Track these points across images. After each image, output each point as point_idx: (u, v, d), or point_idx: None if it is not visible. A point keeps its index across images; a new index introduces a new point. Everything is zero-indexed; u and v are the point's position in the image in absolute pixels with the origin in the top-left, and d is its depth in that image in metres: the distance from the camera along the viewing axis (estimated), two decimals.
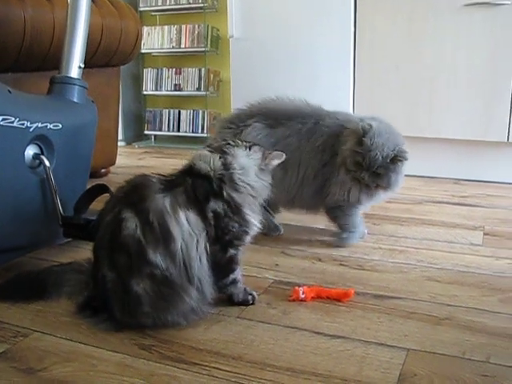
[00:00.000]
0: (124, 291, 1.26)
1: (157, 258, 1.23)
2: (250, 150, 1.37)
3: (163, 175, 1.35)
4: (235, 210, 1.32)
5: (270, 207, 1.91)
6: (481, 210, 2.40)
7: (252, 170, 1.35)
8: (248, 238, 1.38)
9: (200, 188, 1.30)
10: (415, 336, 1.29)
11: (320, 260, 1.78)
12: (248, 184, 1.33)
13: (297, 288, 1.48)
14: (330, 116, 1.92)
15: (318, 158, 1.84)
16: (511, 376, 1.12)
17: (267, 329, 1.32)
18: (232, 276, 1.37)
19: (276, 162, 1.41)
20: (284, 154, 1.43)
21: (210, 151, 1.36)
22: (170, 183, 1.31)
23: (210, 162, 1.32)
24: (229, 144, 1.37)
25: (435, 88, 2.93)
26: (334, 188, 1.82)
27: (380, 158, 1.70)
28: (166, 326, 1.30)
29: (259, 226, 1.39)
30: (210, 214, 1.29)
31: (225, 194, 1.30)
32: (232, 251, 1.35)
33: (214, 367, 1.16)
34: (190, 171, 1.34)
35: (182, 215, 1.26)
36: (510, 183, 2.89)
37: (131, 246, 1.23)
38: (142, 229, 1.23)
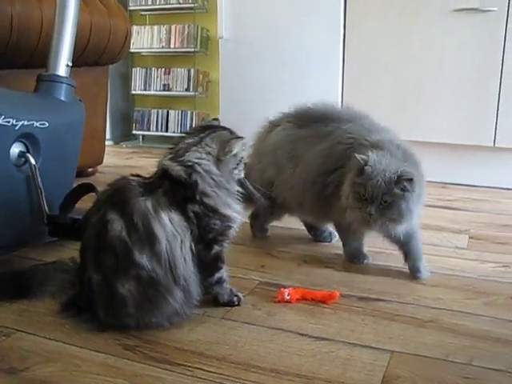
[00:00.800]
0: (109, 292, 1.25)
1: (142, 258, 1.24)
2: (200, 143, 1.34)
3: (142, 177, 1.35)
4: (212, 210, 1.32)
5: (281, 208, 1.91)
6: (466, 213, 2.42)
7: (208, 167, 1.32)
8: (232, 232, 1.38)
9: (177, 192, 1.30)
10: (399, 338, 1.29)
11: (306, 262, 1.78)
12: (214, 186, 1.32)
13: (282, 289, 1.48)
14: (354, 123, 1.80)
15: (318, 163, 1.74)
16: (493, 378, 1.13)
17: (252, 330, 1.33)
18: (218, 275, 1.37)
19: (236, 149, 1.36)
20: (244, 138, 1.39)
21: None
22: (150, 186, 1.31)
23: (178, 169, 1.32)
24: (183, 137, 1.37)
25: (422, 91, 2.95)
26: (337, 210, 1.68)
27: (383, 183, 1.50)
28: (150, 328, 1.30)
29: (241, 216, 1.38)
30: (191, 214, 1.30)
31: (197, 198, 1.30)
32: (217, 248, 1.35)
33: (198, 368, 1.16)
34: (164, 174, 1.33)
35: (164, 216, 1.26)
36: (495, 187, 2.91)
37: (117, 247, 1.23)
38: (128, 230, 1.23)
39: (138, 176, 1.36)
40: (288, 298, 1.46)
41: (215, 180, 1.32)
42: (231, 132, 1.42)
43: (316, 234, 2.00)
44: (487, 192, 2.83)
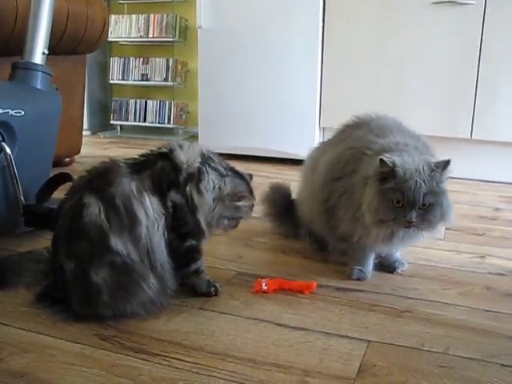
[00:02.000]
0: (83, 281, 1.24)
1: (117, 244, 1.23)
2: (223, 177, 1.37)
3: (133, 158, 1.35)
4: (191, 208, 1.32)
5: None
6: None
7: (209, 198, 1.34)
8: (201, 239, 1.38)
9: (166, 176, 1.30)
10: (376, 328, 1.30)
11: (283, 252, 1.78)
12: (208, 197, 1.33)
13: (259, 280, 1.48)
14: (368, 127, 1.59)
15: (327, 169, 1.59)
16: (468, 366, 1.14)
17: (229, 320, 1.32)
18: (194, 266, 1.37)
19: (242, 203, 1.38)
20: (254, 200, 1.40)
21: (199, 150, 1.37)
22: (139, 166, 1.31)
23: (188, 157, 1.33)
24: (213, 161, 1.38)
25: (401, 84, 2.97)
26: (345, 221, 1.49)
27: (422, 183, 1.33)
28: (125, 317, 1.29)
29: (207, 237, 1.39)
30: (169, 203, 1.29)
31: (187, 189, 1.30)
32: (192, 241, 1.35)
33: (175, 358, 1.15)
34: (164, 156, 1.33)
35: (147, 199, 1.26)
36: (473, 179, 2.94)
37: (92, 233, 1.22)
38: (106, 213, 1.22)
39: (131, 158, 1.36)
40: (265, 288, 1.46)
41: (216, 194, 1.35)
42: (251, 189, 1.44)
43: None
44: (464, 184, 2.86)
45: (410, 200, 1.32)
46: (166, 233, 1.29)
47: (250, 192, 1.42)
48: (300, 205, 1.78)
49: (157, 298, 1.30)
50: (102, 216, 1.22)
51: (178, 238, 1.32)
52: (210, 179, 1.34)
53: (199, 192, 1.32)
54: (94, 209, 1.23)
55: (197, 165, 1.33)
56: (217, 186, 1.35)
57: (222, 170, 1.38)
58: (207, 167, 1.35)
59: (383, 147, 1.45)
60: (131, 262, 1.24)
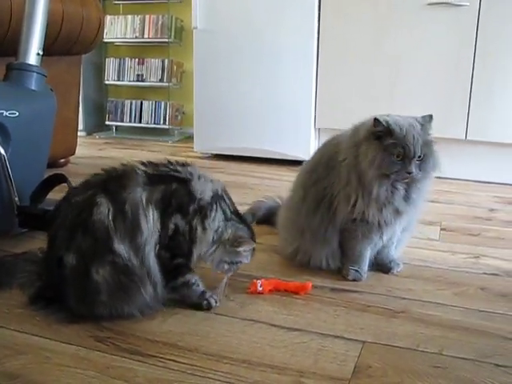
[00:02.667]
0: (83, 278, 1.24)
1: (120, 247, 1.23)
2: (227, 221, 1.36)
3: (154, 165, 1.35)
4: (191, 238, 1.32)
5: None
6: (439, 205, 2.44)
7: (210, 236, 1.33)
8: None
9: (178, 198, 1.30)
10: (371, 329, 1.30)
11: (278, 253, 1.78)
12: (209, 235, 1.33)
13: (255, 281, 1.48)
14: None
15: (306, 177, 1.65)
16: (463, 367, 1.14)
17: (224, 321, 1.32)
18: (181, 279, 1.34)
19: (242, 248, 1.36)
20: (254, 245, 1.39)
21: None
22: (155, 178, 1.31)
23: (203, 189, 1.33)
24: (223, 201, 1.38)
25: (396, 85, 2.97)
26: (341, 204, 1.54)
27: (417, 136, 1.43)
28: (121, 318, 1.29)
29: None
30: (172, 225, 1.29)
31: (194, 221, 1.31)
32: (180, 260, 1.33)
33: (170, 359, 1.15)
34: (181, 180, 1.33)
35: (151, 211, 1.26)
36: (467, 180, 2.95)
37: (98, 232, 1.22)
38: (114, 216, 1.23)
39: (150, 164, 1.36)
40: (261, 289, 1.47)
41: (218, 236, 1.34)
42: (252, 233, 1.42)
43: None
44: (459, 184, 2.87)
45: (410, 152, 1.42)
46: (157, 247, 1.28)
47: (251, 236, 1.41)
48: (285, 226, 1.76)
49: (152, 303, 1.30)
50: (110, 217, 1.23)
51: (170, 256, 1.31)
52: (216, 219, 1.34)
53: (203, 227, 1.32)
54: (104, 209, 1.23)
55: (209, 199, 1.33)
56: (220, 229, 1.34)
57: (228, 212, 1.37)
58: (217, 205, 1.34)
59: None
60: (132, 265, 1.24)
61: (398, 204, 1.49)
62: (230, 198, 1.41)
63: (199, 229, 1.31)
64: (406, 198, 1.50)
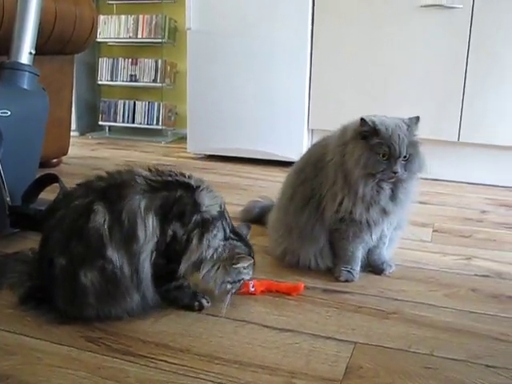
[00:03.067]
0: (71, 280, 1.23)
1: (113, 255, 1.23)
2: (225, 240, 1.34)
3: (157, 172, 1.34)
4: (185, 247, 1.30)
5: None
6: (431, 207, 2.45)
7: (212, 252, 1.31)
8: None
9: (182, 206, 1.29)
10: (363, 330, 1.30)
11: (270, 254, 1.78)
12: (203, 250, 1.30)
13: (247, 282, 1.48)
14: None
15: (294, 178, 1.68)
16: (454, 368, 1.15)
17: (216, 322, 1.32)
18: (175, 283, 1.34)
19: (241, 264, 1.34)
20: (252, 260, 1.37)
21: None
22: (157, 185, 1.30)
23: (209, 203, 1.32)
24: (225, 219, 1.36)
25: (390, 86, 2.98)
26: (328, 202, 1.55)
27: (403, 136, 1.45)
28: (110, 319, 1.28)
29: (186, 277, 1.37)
30: (170, 232, 1.28)
31: (194, 232, 1.29)
32: (175, 265, 1.31)
33: (162, 360, 1.15)
34: (188, 187, 1.32)
35: (150, 218, 1.26)
36: (459, 182, 2.96)
37: (92, 239, 1.22)
38: (110, 225, 1.23)
39: (155, 170, 1.35)
40: (253, 290, 1.46)
41: (217, 255, 1.32)
42: (249, 248, 1.40)
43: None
44: (452, 186, 2.88)
45: (395, 152, 1.44)
46: (153, 254, 1.27)
47: (249, 252, 1.38)
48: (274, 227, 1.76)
49: (139, 309, 1.30)
50: (105, 226, 1.23)
51: (166, 261, 1.30)
52: (217, 237, 1.32)
53: (200, 241, 1.29)
54: (100, 218, 1.23)
55: (215, 215, 1.31)
56: (219, 249, 1.32)
57: (227, 231, 1.35)
58: (221, 224, 1.33)
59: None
60: (121, 274, 1.24)
61: (384, 204, 1.51)
62: (228, 214, 1.39)
63: (194, 241, 1.29)
64: (393, 198, 1.51)
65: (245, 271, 1.36)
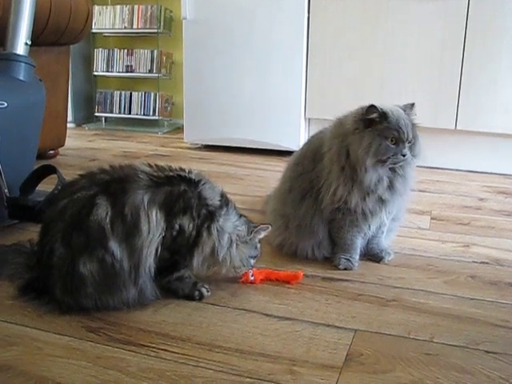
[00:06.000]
0: (69, 268, 1.24)
1: (115, 247, 1.23)
2: (239, 218, 1.38)
3: (159, 168, 1.35)
4: (195, 241, 1.31)
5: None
6: (429, 195, 2.45)
7: (227, 237, 1.34)
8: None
9: (186, 200, 1.30)
10: (362, 317, 1.31)
11: (269, 243, 1.78)
12: (217, 243, 1.33)
13: (246, 270, 1.48)
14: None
15: (292, 170, 1.70)
16: (453, 354, 1.15)
17: (216, 311, 1.33)
18: (177, 274, 1.35)
19: (262, 235, 1.40)
20: (269, 226, 1.41)
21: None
22: (160, 180, 1.31)
23: (213, 195, 1.34)
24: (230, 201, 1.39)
25: (386, 74, 2.97)
26: (324, 192, 1.56)
27: (407, 121, 1.49)
28: (108, 309, 1.28)
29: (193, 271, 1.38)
30: (176, 226, 1.29)
31: (204, 226, 1.31)
32: (178, 257, 1.33)
33: (163, 349, 1.15)
34: (189, 182, 1.33)
35: (154, 212, 1.26)
36: (457, 170, 2.97)
37: (93, 231, 1.23)
38: (112, 219, 1.23)
39: (156, 166, 1.36)
40: (252, 278, 1.47)
41: (235, 237, 1.35)
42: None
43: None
44: (449, 174, 2.89)
45: (403, 136, 1.46)
46: (159, 249, 1.28)
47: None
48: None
49: (135, 302, 1.30)
50: (107, 220, 1.23)
51: (170, 255, 1.31)
52: (230, 220, 1.35)
53: (209, 233, 1.31)
54: (102, 212, 1.23)
55: (217, 203, 1.34)
56: (238, 227, 1.36)
57: (237, 210, 1.39)
58: (228, 207, 1.36)
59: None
60: (120, 267, 1.24)
61: (381, 193, 1.51)
62: (229, 198, 1.42)
63: (205, 234, 1.31)
64: (390, 186, 1.52)
65: (259, 245, 1.42)
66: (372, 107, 1.47)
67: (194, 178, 1.35)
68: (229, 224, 1.34)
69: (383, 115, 1.46)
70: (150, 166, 1.36)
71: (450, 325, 1.28)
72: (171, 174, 1.34)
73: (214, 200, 1.34)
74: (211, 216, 1.32)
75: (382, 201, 1.53)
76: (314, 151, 1.62)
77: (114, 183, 1.28)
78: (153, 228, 1.26)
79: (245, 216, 1.43)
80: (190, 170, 1.39)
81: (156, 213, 1.26)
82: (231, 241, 1.34)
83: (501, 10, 2.72)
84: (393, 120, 1.46)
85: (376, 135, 1.46)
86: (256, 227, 1.38)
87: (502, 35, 2.75)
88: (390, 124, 1.46)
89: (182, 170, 1.38)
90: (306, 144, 1.73)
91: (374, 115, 1.46)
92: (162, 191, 1.29)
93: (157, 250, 1.28)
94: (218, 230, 1.32)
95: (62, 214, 1.26)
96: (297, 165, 1.67)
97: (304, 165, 1.63)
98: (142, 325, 1.25)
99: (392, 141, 1.46)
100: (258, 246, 1.43)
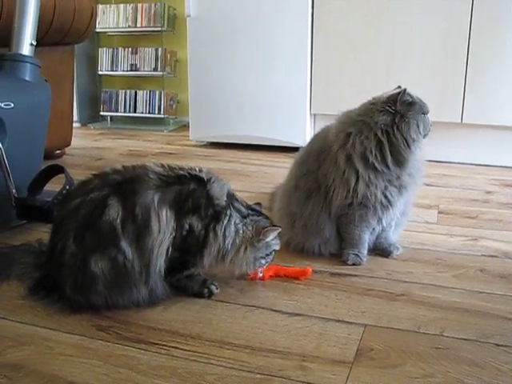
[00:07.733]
0: (81, 266, 1.24)
1: (126, 247, 1.24)
2: (244, 219, 1.36)
3: (169, 168, 1.35)
4: (204, 241, 1.31)
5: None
6: (436, 189, 2.45)
7: (230, 240, 1.33)
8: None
9: (196, 199, 1.30)
10: (372, 312, 1.31)
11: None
12: (220, 240, 1.31)
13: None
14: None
15: (296, 169, 1.70)
16: (463, 348, 1.15)
17: (226, 308, 1.33)
18: (186, 272, 1.35)
19: (271, 237, 1.36)
20: (278, 228, 1.39)
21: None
22: (170, 179, 1.31)
23: (220, 194, 1.33)
24: (236, 201, 1.37)
25: (391, 69, 2.96)
26: (337, 190, 1.56)
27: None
28: (118, 308, 1.29)
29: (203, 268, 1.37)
30: (186, 226, 1.29)
31: (211, 225, 1.30)
32: (188, 256, 1.33)
33: (173, 347, 1.16)
34: (199, 181, 1.33)
35: (164, 211, 1.26)
36: (463, 163, 2.95)
37: (104, 231, 1.23)
38: (123, 220, 1.24)
39: (166, 166, 1.36)
40: (261, 275, 1.47)
41: (240, 238, 1.33)
42: (269, 220, 1.42)
43: None
44: (456, 168, 2.88)
45: (427, 108, 1.60)
46: (169, 250, 1.28)
47: (271, 223, 1.40)
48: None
49: (145, 302, 1.31)
50: (118, 221, 1.24)
51: (180, 254, 1.31)
52: (232, 223, 1.33)
53: (215, 233, 1.31)
54: (114, 213, 1.24)
55: (224, 204, 1.33)
56: (240, 231, 1.33)
57: (243, 210, 1.37)
58: (231, 208, 1.34)
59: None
60: (131, 267, 1.25)
61: (403, 178, 1.54)
62: (237, 196, 1.41)
63: (211, 235, 1.31)
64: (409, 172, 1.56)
65: (273, 242, 1.39)
66: (405, 92, 1.56)
67: (203, 176, 1.34)
68: (232, 227, 1.32)
69: (411, 103, 1.55)
70: (161, 166, 1.36)
71: (460, 318, 1.28)
72: (181, 172, 1.34)
73: (221, 200, 1.33)
74: (217, 216, 1.31)
75: (402, 187, 1.55)
76: (318, 150, 1.62)
77: (125, 184, 1.29)
78: (163, 227, 1.26)
79: (262, 214, 1.42)
80: (201, 168, 1.38)
81: (166, 212, 1.26)
82: (236, 243, 1.33)
83: (506, 1, 2.70)
84: (422, 105, 1.57)
85: (418, 121, 1.54)
86: (265, 228, 1.36)
87: (507, 27, 2.72)
88: (421, 108, 1.57)
89: (193, 168, 1.38)
90: (310, 142, 1.73)
91: (407, 98, 1.56)
92: (172, 190, 1.29)
93: (167, 251, 1.28)
94: (222, 232, 1.31)
95: (75, 213, 1.27)
96: (301, 164, 1.67)
97: (309, 164, 1.63)
98: (151, 323, 1.25)
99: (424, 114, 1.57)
100: (275, 243, 1.40)
